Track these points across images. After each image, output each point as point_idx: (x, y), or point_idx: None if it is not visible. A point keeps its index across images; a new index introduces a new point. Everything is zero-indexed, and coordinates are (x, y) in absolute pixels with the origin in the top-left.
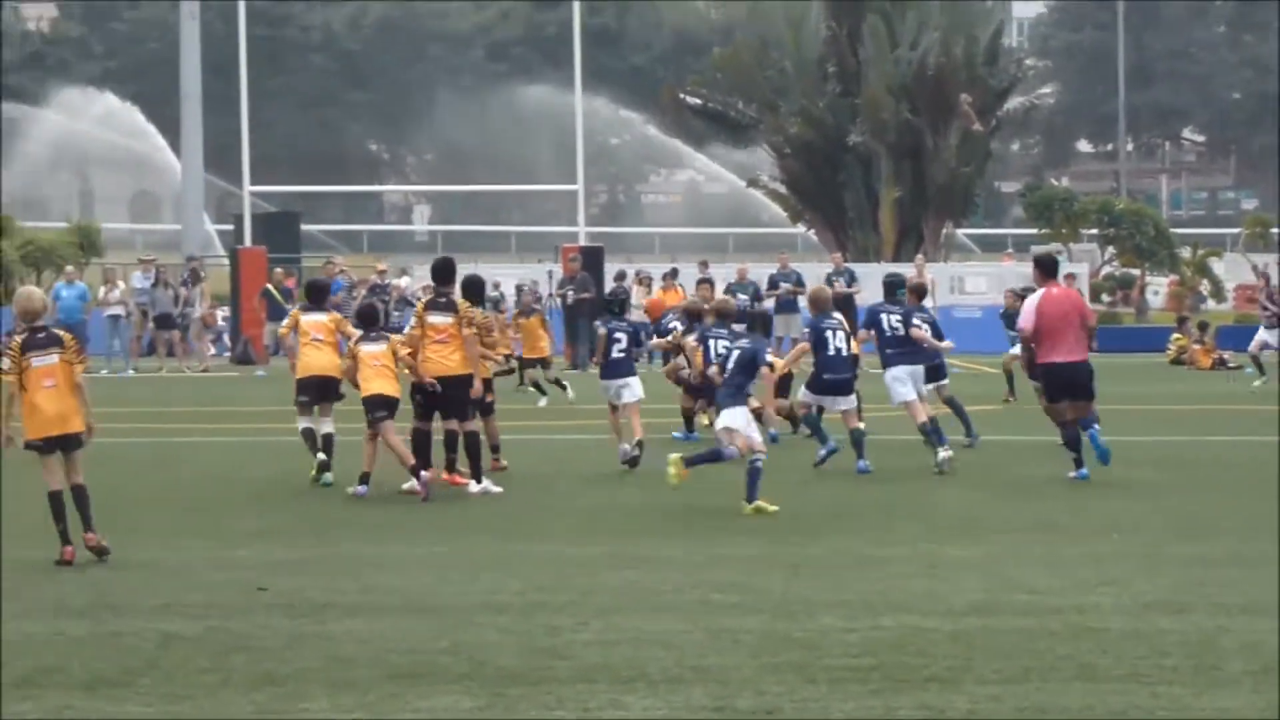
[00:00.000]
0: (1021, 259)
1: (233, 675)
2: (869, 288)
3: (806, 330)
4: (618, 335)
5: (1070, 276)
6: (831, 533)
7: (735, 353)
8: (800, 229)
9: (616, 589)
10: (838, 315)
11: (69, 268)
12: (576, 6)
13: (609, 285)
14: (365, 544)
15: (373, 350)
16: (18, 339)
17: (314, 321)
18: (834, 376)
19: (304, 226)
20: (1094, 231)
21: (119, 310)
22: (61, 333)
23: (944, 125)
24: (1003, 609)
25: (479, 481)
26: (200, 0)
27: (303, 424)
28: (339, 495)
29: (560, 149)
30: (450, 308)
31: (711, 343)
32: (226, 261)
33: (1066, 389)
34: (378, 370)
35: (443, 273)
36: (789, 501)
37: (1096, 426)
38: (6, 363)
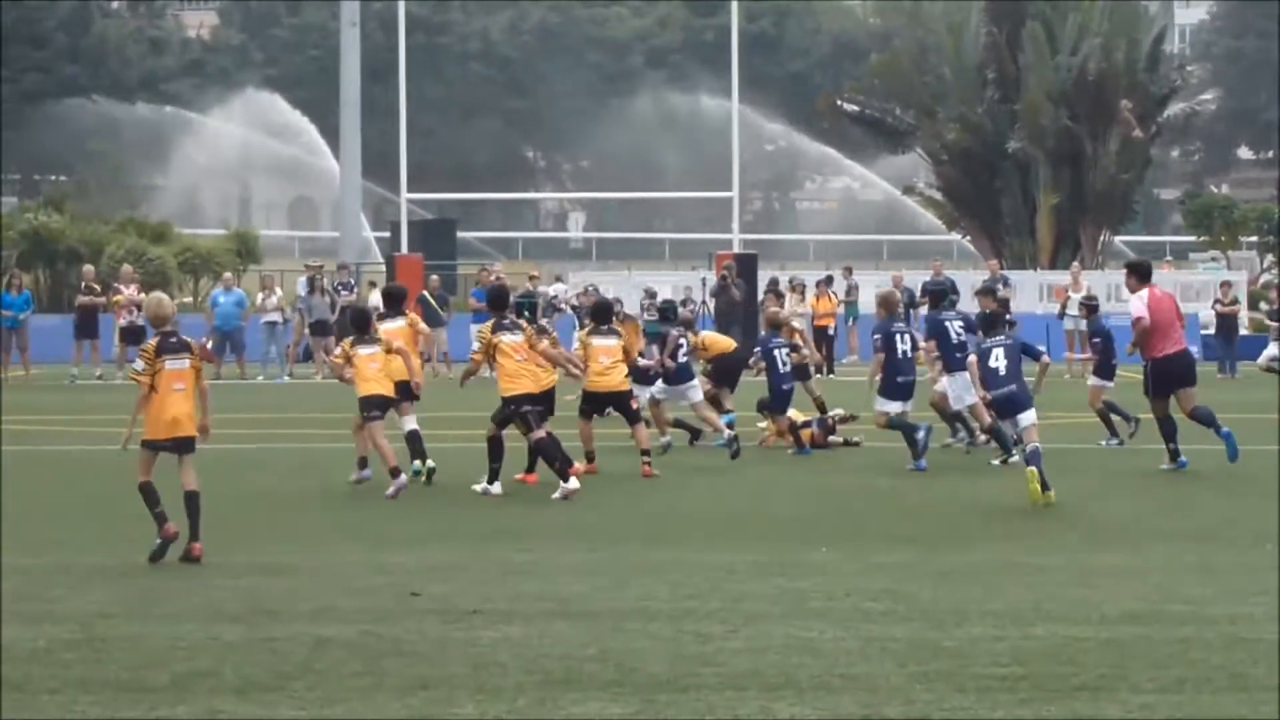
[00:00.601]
0: (1180, 266)
1: (385, 679)
2: (1024, 296)
3: (876, 336)
4: (682, 341)
5: (1226, 284)
6: (983, 540)
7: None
8: (956, 236)
9: (766, 596)
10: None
11: (227, 274)
12: (734, 12)
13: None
14: (515, 551)
15: (369, 352)
16: (152, 343)
17: (392, 329)
18: (905, 379)
19: (460, 233)
20: (1253, 239)
21: (276, 317)
22: (191, 340)
23: (1104, 131)
24: (1156, 618)
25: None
26: (361, 1)
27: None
28: (490, 502)
29: (715, 155)
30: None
31: (776, 353)
32: (383, 268)
33: (1179, 379)
34: (376, 371)
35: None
36: (940, 508)
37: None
38: (141, 364)
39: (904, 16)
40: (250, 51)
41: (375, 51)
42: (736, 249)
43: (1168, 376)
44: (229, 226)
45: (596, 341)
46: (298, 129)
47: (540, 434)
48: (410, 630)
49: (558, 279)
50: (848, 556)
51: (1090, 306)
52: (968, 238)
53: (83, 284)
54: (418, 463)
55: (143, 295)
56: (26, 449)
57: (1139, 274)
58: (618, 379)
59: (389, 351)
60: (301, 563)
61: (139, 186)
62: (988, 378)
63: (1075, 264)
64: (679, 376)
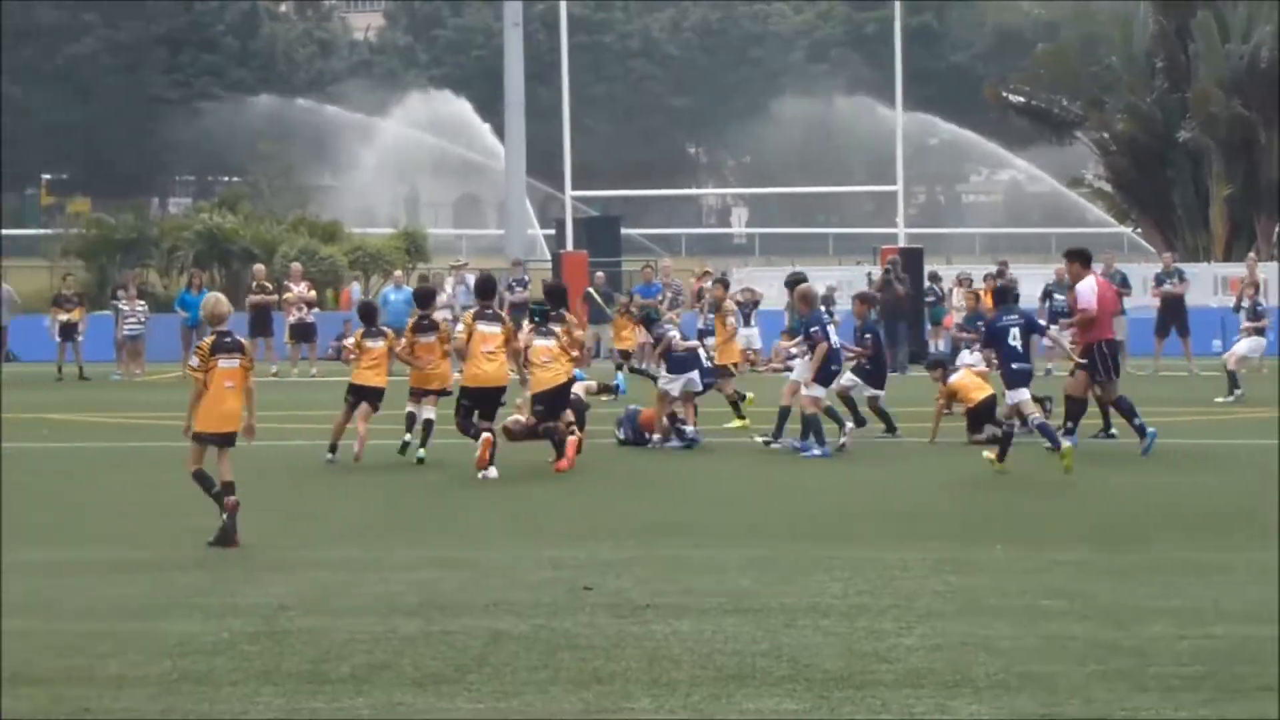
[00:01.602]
0: None
1: (560, 673)
2: (1199, 288)
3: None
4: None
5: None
6: (1162, 538)
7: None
8: (1125, 229)
9: (940, 593)
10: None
11: (396, 272)
12: (897, 6)
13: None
14: (685, 547)
15: (376, 346)
16: (207, 341)
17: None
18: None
19: (624, 230)
20: None
21: (445, 314)
22: (243, 340)
23: (1277, 119)
24: None
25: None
26: (523, 1)
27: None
28: (660, 497)
29: (879, 149)
30: (497, 319)
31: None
32: (549, 265)
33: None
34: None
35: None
36: (1115, 505)
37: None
38: (196, 360)
39: (1070, 8)
40: (416, 52)
41: (538, 51)
42: (901, 243)
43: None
44: (397, 225)
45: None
46: (464, 129)
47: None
48: (583, 624)
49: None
50: (1021, 554)
51: None
52: (1138, 230)
53: (255, 283)
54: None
55: (313, 293)
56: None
57: (1082, 260)
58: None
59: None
60: (474, 557)
61: (309, 187)
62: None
63: (1251, 256)
64: (679, 366)
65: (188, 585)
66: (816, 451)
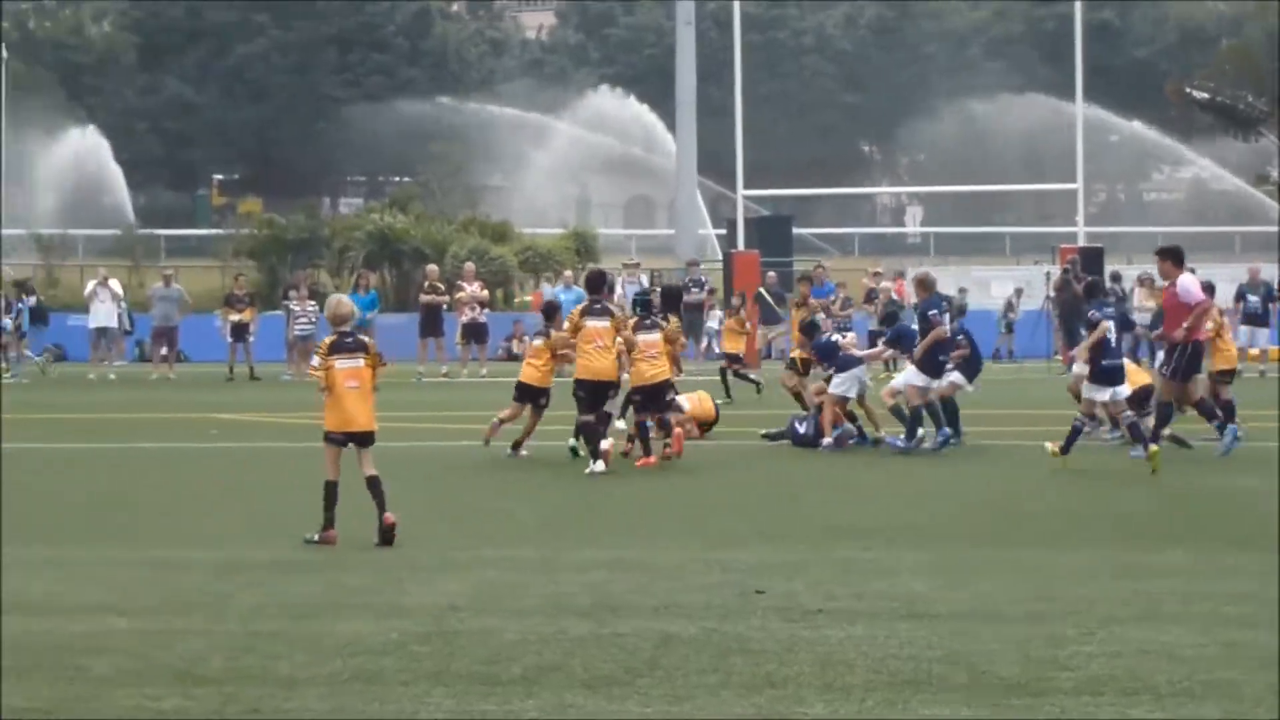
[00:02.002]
0: None
1: (731, 677)
2: None
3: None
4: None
5: None
6: None
7: None
8: None
9: (1119, 599)
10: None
11: (566, 273)
12: (1078, 5)
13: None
14: (856, 549)
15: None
16: (326, 341)
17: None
18: (1111, 363)
19: (796, 230)
20: None
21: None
22: (366, 339)
23: None
24: None
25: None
26: (696, 2)
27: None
28: (827, 499)
29: (1057, 147)
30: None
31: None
32: (720, 265)
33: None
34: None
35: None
36: None
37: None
38: (316, 361)
39: (1253, 5)
40: (587, 51)
41: (710, 49)
42: (1081, 242)
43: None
44: (567, 225)
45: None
46: (635, 128)
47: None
48: (754, 628)
49: (899, 276)
50: (1201, 559)
51: None
52: None
53: (426, 283)
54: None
55: (486, 293)
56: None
57: (1174, 259)
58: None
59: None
60: (644, 559)
61: (479, 187)
62: None
63: None
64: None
65: (357, 585)
66: (900, 443)
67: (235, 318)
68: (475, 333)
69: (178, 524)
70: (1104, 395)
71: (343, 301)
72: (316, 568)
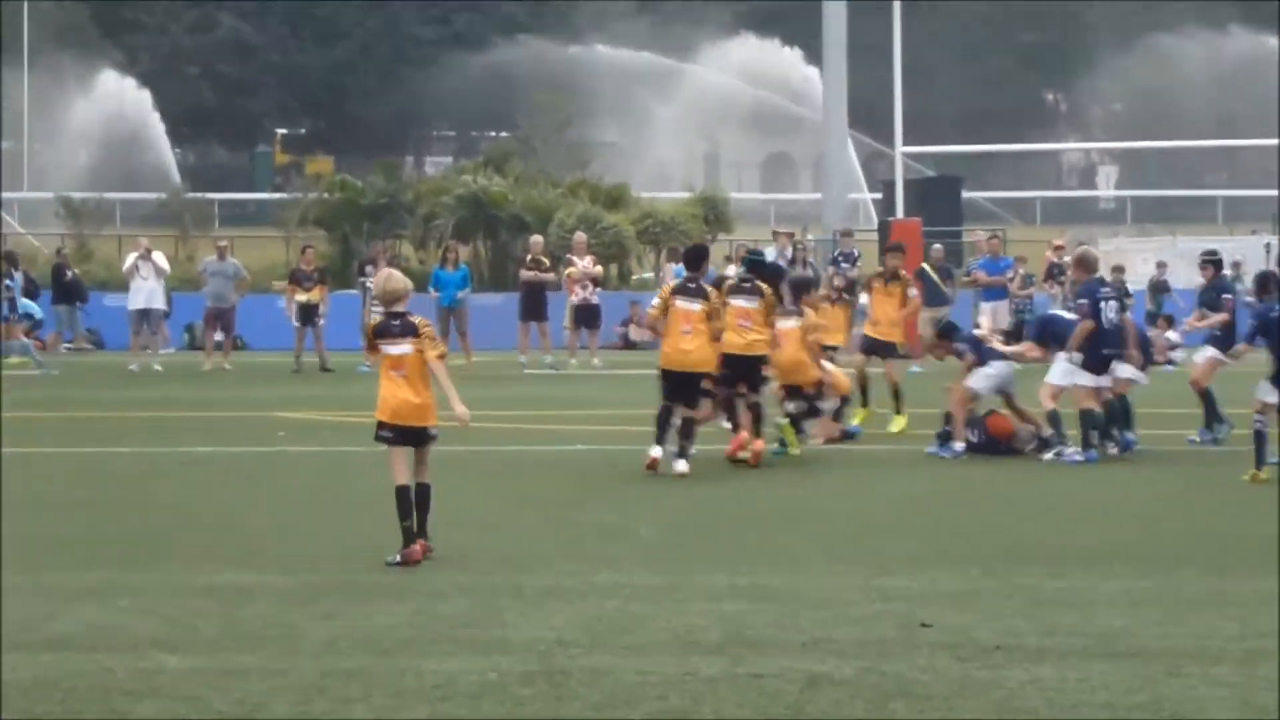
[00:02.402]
0: None
1: None
2: None
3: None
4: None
5: None
6: None
7: None
8: None
9: None
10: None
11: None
12: None
13: None
14: (1043, 576)
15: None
16: (371, 324)
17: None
18: (1110, 351)
19: (965, 193)
20: None
21: None
22: (417, 320)
23: None
24: None
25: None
26: None
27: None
28: (1010, 515)
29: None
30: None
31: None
32: (875, 235)
33: None
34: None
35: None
36: None
37: None
38: (364, 344)
39: None
40: None
41: None
42: None
43: None
44: (694, 189)
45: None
46: (774, 73)
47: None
48: (920, 667)
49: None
50: None
51: None
52: None
53: (529, 257)
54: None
55: (599, 269)
56: (470, 449)
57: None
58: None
59: None
60: (789, 585)
61: (590, 144)
62: None
63: None
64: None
65: (450, 615)
66: (1078, 456)
67: (302, 298)
68: (586, 316)
69: (239, 544)
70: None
71: (393, 276)
72: (400, 594)
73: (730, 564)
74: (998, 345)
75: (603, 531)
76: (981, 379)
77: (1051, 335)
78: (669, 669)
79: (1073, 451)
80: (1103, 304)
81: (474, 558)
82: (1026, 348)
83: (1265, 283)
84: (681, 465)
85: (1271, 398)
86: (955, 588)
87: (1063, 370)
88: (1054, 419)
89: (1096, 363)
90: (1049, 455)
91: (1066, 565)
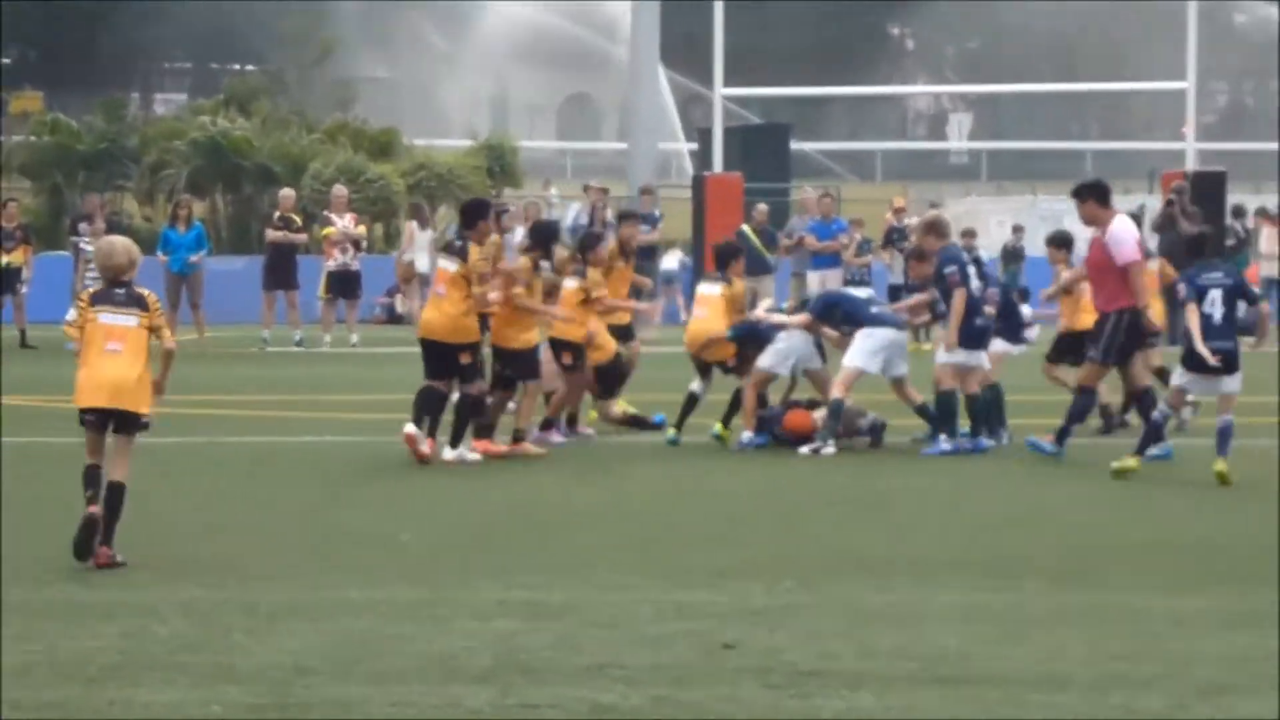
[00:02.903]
0: None
1: None
2: None
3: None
4: None
5: None
6: None
7: None
8: None
9: (1229, 658)
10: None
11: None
12: None
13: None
14: (866, 589)
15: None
16: (88, 291)
17: None
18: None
19: (795, 144)
20: None
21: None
22: (146, 293)
23: None
24: None
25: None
26: None
27: None
28: (829, 520)
29: (1160, 31)
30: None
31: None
32: (688, 193)
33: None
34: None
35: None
36: None
37: None
38: (73, 313)
39: None
40: None
41: None
42: (1191, 164)
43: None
44: (477, 136)
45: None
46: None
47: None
48: (721, 696)
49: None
50: None
51: None
52: None
53: (277, 214)
54: None
55: (362, 229)
56: (200, 441)
57: (1098, 197)
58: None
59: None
60: (569, 601)
61: (355, 80)
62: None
63: None
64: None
65: (167, 638)
66: (945, 446)
67: (2, 260)
68: (344, 284)
69: None
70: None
71: (117, 250)
72: (108, 612)
73: (505, 576)
74: (774, 318)
75: (355, 538)
76: (770, 355)
77: (844, 317)
78: (428, 700)
79: (943, 441)
80: (970, 270)
81: (198, 569)
82: (802, 318)
83: (1200, 244)
84: (449, 453)
85: (1182, 381)
86: (765, 603)
87: (865, 351)
88: (835, 410)
89: (970, 336)
90: (805, 450)
91: (893, 577)
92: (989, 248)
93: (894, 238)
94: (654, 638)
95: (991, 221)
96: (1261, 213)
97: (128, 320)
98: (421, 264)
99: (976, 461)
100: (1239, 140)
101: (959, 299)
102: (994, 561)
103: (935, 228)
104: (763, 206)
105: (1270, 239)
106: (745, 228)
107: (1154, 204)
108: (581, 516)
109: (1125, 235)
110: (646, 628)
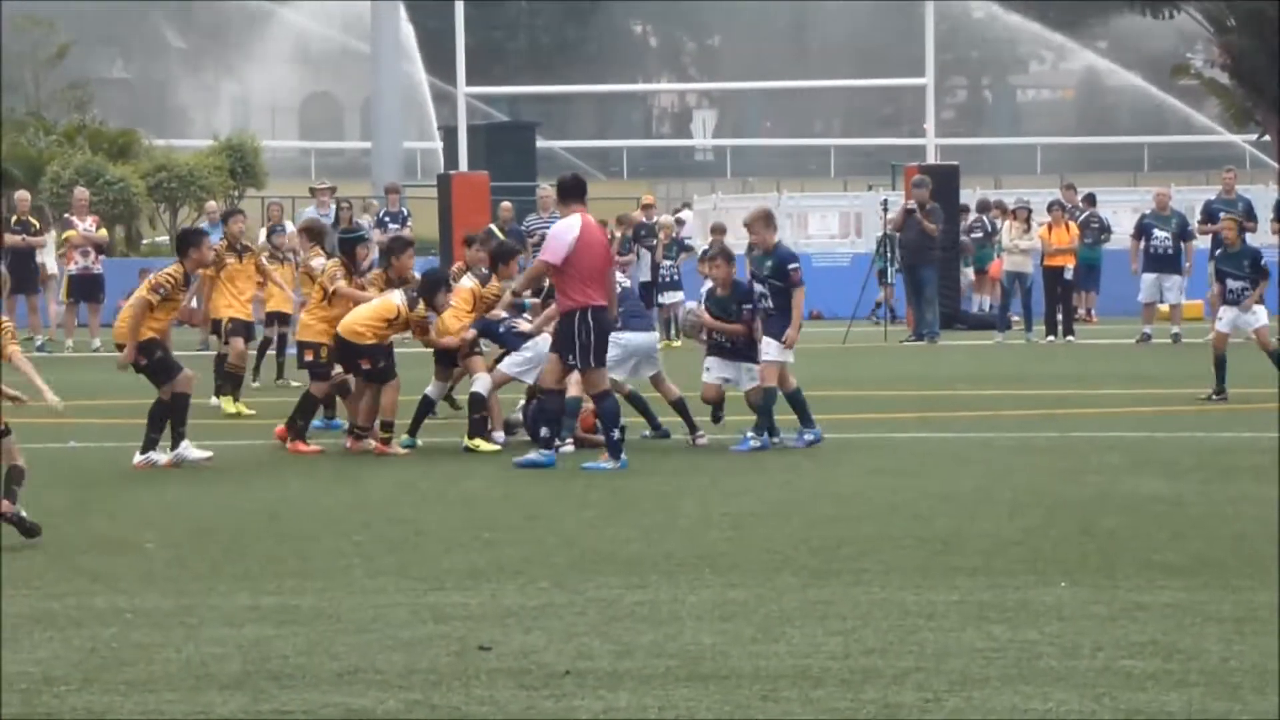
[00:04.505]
0: None
1: None
2: None
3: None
4: None
5: None
6: None
7: None
8: (1249, 136)
9: (981, 651)
10: None
11: (210, 204)
12: None
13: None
14: (621, 587)
15: None
16: None
17: None
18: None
19: (541, 142)
20: None
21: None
22: None
23: None
24: None
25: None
26: None
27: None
28: (584, 523)
29: (901, 28)
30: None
31: None
32: (434, 192)
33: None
34: None
35: None
36: (1226, 523)
37: None
38: None
39: None
40: None
41: None
42: (931, 158)
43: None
44: (219, 136)
45: None
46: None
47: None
48: (477, 698)
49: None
50: (1095, 594)
51: None
52: (1265, 137)
53: (14, 218)
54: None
55: (103, 232)
56: None
57: (565, 192)
58: None
59: None
60: (322, 606)
61: (93, 80)
62: None
63: None
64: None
65: None
66: (809, 436)
67: None
68: (86, 288)
69: None
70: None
71: None
72: None
73: (254, 582)
74: (521, 325)
75: (100, 545)
76: (509, 364)
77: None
78: (178, 708)
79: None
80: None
81: None
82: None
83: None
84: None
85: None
86: (520, 603)
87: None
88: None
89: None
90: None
91: (648, 574)
92: (738, 245)
93: (642, 234)
94: (408, 641)
95: (738, 219)
96: (1000, 206)
97: None
98: None
99: (726, 458)
100: (977, 136)
101: (800, 295)
102: (748, 557)
103: (768, 220)
104: (507, 204)
105: (1011, 232)
106: (492, 226)
107: (896, 199)
108: (330, 521)
109: (558, 233)
110: (400, 631)
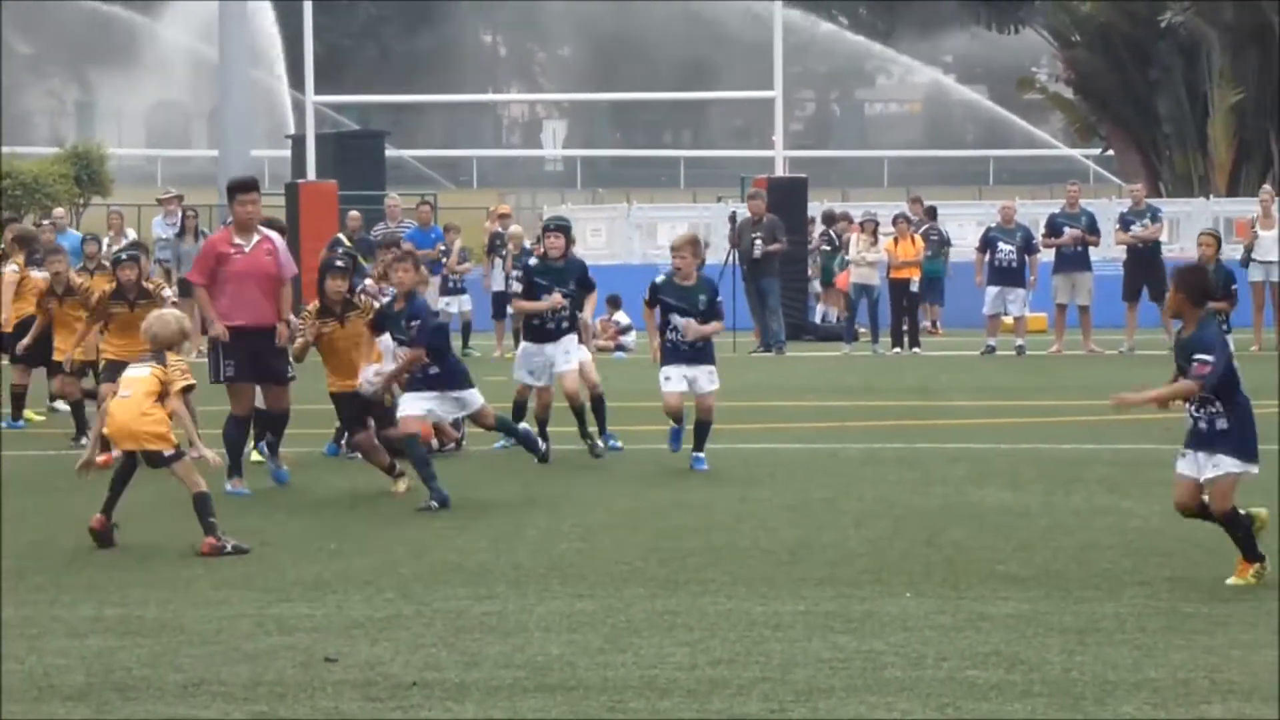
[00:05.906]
0: None
1: None
2: (1191, 233)
3: None
4: None
5: None
6: (1137, 581)
7: None
8: (1092, 151)
9: (827, 661)
10: None
11: (58, 211)
12: None
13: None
14: (468, 598)
15: None
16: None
17: None
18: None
19: (390, 151)
20: None
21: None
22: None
23: None
24: None
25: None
26: None
27: None
28: (435, 533)
29: (750, 41)
30: None
31: None
32: (282, 199)
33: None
34: None
35: None
36: (1073, 536)
37: None
38: None
39: None
40: None
41: None
42: (780, 171)
43: None
44: (64, 143)
45: None
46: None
47: None
48: (323, 710)
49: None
50: (940, 604)
51: None
52: (1109, 151)
53: None
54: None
55: None
56: None
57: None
58: None
59: None
60: (166, 617)
61: None
62: None
63: (1266, 188)
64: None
65: None
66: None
67: None
68: None
69: None
70: None
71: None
72: None
73: (98, 593)
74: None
75: None
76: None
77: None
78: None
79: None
80: None
81: None
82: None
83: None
84: None
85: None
86: (366, 615)
87: None
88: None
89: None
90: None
91: (496, 585)
92: (589, 255)
93: (496, 244)
94: (253, 653)
95: (587, 230)
96: (846, 218)
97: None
98: None
99: (574, 469)
100: (824, 149)
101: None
102: (596, 568)
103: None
104: (355, 214)
105: (858, 244)
106: (340, 235)
107: (744, 210)
108: (175, 532)
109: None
110: (245, 643)
